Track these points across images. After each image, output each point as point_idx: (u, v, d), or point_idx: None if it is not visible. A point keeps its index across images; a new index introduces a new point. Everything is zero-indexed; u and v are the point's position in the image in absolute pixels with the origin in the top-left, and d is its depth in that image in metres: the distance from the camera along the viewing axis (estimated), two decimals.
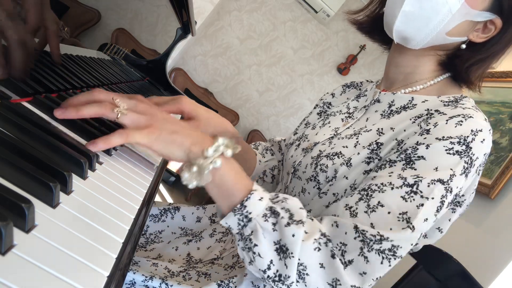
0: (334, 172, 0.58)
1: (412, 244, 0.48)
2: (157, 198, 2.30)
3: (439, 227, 0.57)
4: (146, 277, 0.56)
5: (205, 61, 3.32)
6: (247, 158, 0.79)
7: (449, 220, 0.57)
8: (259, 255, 0.46)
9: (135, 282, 0.56)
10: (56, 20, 0.48)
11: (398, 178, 0.49)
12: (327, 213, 0.53)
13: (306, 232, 0.47)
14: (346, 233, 0.48)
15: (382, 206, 0.48)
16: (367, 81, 0.83)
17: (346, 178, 0.57)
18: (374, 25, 0.71)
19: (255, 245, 0.46)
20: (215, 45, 3.30)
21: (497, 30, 0.57)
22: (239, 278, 0.59)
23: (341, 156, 0.58)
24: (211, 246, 0.73)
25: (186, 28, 1.23)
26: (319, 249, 0.46)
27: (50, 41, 0.51)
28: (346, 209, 0.50)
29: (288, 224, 0.45)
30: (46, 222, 0.26)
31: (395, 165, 0.51)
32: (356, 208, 0.49)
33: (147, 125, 0.41)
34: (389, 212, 0.48)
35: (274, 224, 0.46)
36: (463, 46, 0.59)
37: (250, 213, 0.45)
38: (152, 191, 0.45)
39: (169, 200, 2.81)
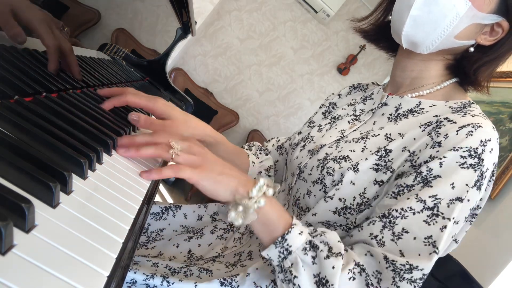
0: (340, 176, 0.58)
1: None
2: (157, 198, 2.30)
3: (455, 239, 0.57)
4: (147, 275, 0.56)
5: (205, 61, 3.32)
6: (239, 162, 0.79)
7: (465, 232, 0.58)
8: (299, 286, 0.47)
9: (136, 281, 0.56)
10: (60, 25, 0.49)
11: (417, 201, 0.50)
12: (353, 241, 0.55)
13: (342, 264, 0.48)
14: (379, 262, 0.49)
15: (407, 232, 0.49)
16: (373, 83, 0.82)
17: (353, 184, 0.57)
18: (379, 33, 0.71)
19: (295, 276, 0.47)
20: (215, 45, 3.30)
21: (505, 32, 0.57)
22: (241, 277, 0.59)
23: (348, 160, 0.58)
24: (212, 243, 0.74)
25: (186, 28, 1.23)
26: (354, 278, 0.48)
27: (68, 60, 0.52)
28: (372, 238, 0.51)
29: (328, 256, 0.47)
30: (46, 222, 0.26)
31: (413, 189, 0.52)
32: (382, 237, 0.50)
33: (198, 165, 0.46)
34: (414, 238, 0.49)
35: (313, 257, 0.48)
36: (471, 49, 0.59)
37: (290, 246, 0.48)
38: (152, 191, 0.45)
39: (169, 200, 2.81)
